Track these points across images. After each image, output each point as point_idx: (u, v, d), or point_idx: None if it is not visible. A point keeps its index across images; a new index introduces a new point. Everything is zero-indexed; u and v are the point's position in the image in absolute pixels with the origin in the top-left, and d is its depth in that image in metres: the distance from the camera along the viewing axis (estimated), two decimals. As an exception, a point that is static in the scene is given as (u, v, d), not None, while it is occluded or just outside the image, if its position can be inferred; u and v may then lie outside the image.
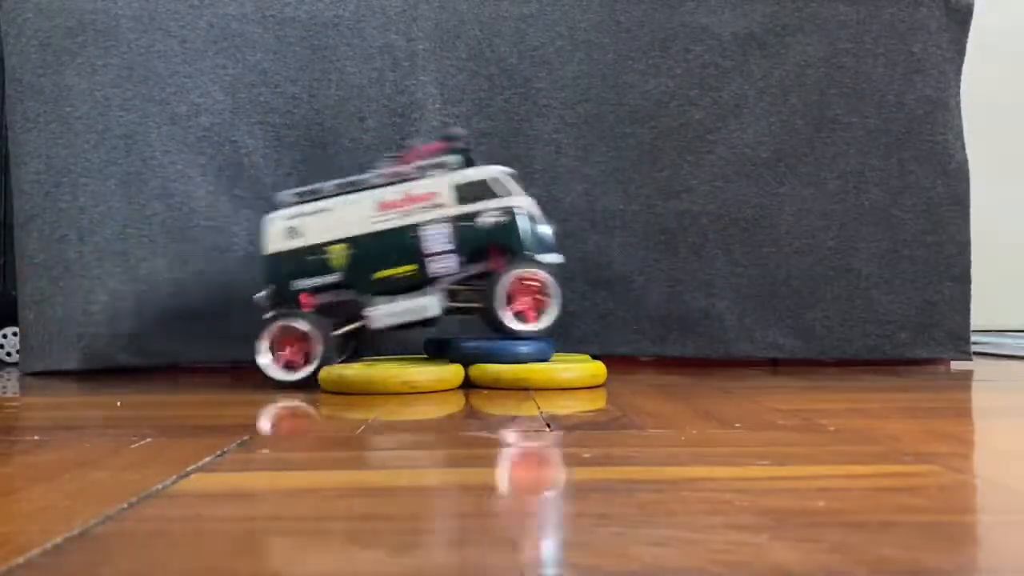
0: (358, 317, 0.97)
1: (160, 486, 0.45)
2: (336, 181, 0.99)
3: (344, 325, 0.98)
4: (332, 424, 0.71)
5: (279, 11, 1.19)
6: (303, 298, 0.97)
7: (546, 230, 0.99)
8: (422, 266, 0.95)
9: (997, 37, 1.63)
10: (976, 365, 1.22)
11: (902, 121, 1.22)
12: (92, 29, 1.15)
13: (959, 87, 1.25)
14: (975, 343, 1.26)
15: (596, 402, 0.83)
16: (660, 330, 1.21)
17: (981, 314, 1.28)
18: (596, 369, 0.95)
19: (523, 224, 0.96)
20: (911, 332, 1.22)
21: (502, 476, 0.49)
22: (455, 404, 0.81)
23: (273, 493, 0.45)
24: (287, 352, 0.96)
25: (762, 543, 0.35)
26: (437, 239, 0.95)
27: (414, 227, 0.96)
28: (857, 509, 0.40)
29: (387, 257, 0.96)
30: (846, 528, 0.37)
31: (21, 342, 1.16)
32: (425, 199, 0.96)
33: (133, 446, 0.57)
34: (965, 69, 1.25)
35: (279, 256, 0.97)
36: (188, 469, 0.49)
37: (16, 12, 1.15)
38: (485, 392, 0.90)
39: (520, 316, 0.96)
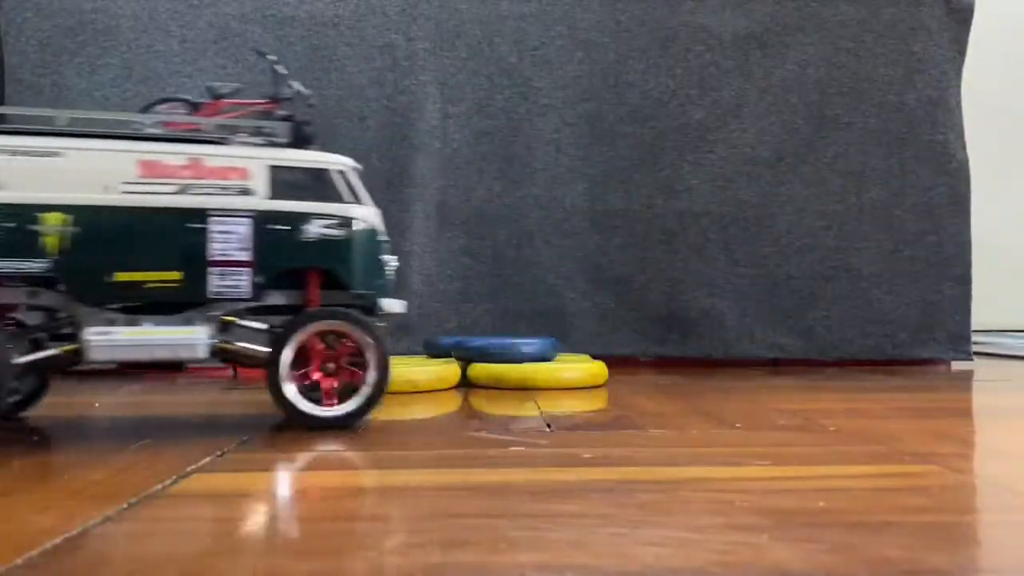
0: (66, 338, 0.63)
1: (160, 486, 0.45)
2: (77, 113, 0.66)
3: (38, 347, 0.64)
4: (332, 424, 0.70)
5: (279, 11, 1.19)
6: None
7: (392, 262, 0.70)
8: (196, 277, 0.63)
9: (998, 37, 1.62)
10: (976, 365, 1.21)
11: (902, 121, 1.22)
12: (92, 29, 1.15)
13: (959, 87, 1.24)
14: (975, 343, 1.26)
15: (596, 402, 0.83)
16: (660, 330, 1.21)
17: (981, 314, 1.27)
18: (597, 369, 0.95)
19: (364, 247, 0.66)
20: (911, 332, 1.22)
21: (502, 476, 0.49)
22: (455, 404, 0.81)
23: (273, 493, 0.45)
24: None
25: (762, 543, 0.35)
26: (231, 240, 0.63)
27: (197, 214, 0.63)
28: (857, 509, 0.40)
29: (138, 251, 0.62)
30: (846, 528, 0.37)
31: (21, 342, 1.16)
32: (224, 175, 0.64)
33: (133, 446, 0.57)
34: (965, 69, 1.25)
35: None
36: (188, 469, 0.49)
37: (16, 12, 1.15)
38: (485, 392, 0.90)
39: (315, 388, 0.65)
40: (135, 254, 0.62)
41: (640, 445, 0.57)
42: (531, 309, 1.20)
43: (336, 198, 0.66)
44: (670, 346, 1.21)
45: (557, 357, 1.00)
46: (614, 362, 1.04)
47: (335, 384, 0.66)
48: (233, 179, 0.64)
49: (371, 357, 0.65)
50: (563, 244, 1.21)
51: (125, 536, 0.36)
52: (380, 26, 1.20)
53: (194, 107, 0.70)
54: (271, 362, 0.64)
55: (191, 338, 0.63)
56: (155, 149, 0.63)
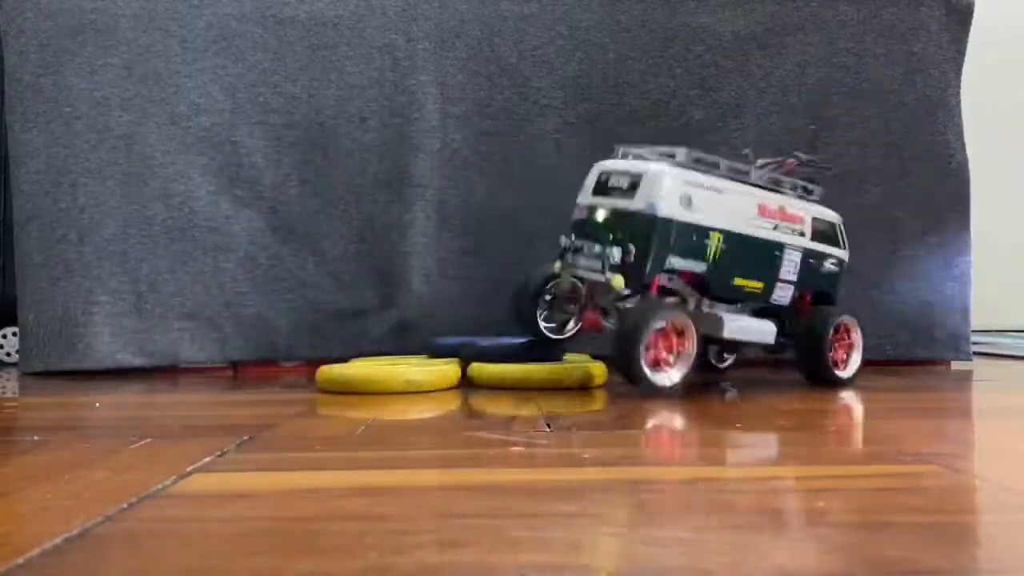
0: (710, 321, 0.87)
1: (160, 486, 0.45)
2: (725, 160, 0.90)
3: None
4: (332, 424, 0.71)
5: (279, 11, 1.18)
6: (657, 279, 0.84)
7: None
8: (769, 288, 0.90)
9: (997, 37, 1.62)
10: (976, 365, 1.21)
11: (902, 121, 1.22)
12: (92, 29, 1.15)
13: (959, 87, 1.24)
14: (975, 343, 1.26)
15: (596, 402, 0.83)
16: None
17: (981, 314, 1.27)
18: (596, 369, 0.95)
19: (842, 281, 0.97)
20: (911, 332, 1.22)
21: (502, 476, 0.49)
22: (455, 404, 0.81)
23: (273, 493, 0.45)
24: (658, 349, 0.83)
25: (762, 543, 0.34)
26: (791, 266, 0.91)
27: (780, 245, 0.90)
28: (857, 509, 0.40)
29: (749, 265, 0.88)
30: (846, 528, 0.37)
31: (21, 342, 1.16)
32: (793, 220, 0.91)
33: (133, 446, 0.57)
34: (965, 69, 1.25)
35: (670, 223, 0.83)
36: (188, 469, 0.49)
37: (16, 12, 1.15)
38: (485, 392, 0.90)
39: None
40: (746, 267, 0.88)
41: (640, 445, 0.57)
42: (531, 309, 1.20)
43: (840, 245, 0.96)
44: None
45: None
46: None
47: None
48: (797, 224, 0.92)
49: (857, 339, 0.95)
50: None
51: (125, 536, 0.36)
52: (380, 26, 1.20)
53: (784, 163, 0.95)
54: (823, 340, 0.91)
55: (771, 329, 0.90)
56: (763, 197, 0.89)
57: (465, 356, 0.97)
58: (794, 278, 0.91)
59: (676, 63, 1.21)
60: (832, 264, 0.95)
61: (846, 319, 0.94)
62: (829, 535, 0.36)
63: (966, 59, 1.24)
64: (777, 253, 0.89)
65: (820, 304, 0.94)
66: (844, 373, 0.93)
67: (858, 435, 0.61)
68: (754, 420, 0.69)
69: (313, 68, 1.19)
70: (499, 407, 0.78)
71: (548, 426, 0.65)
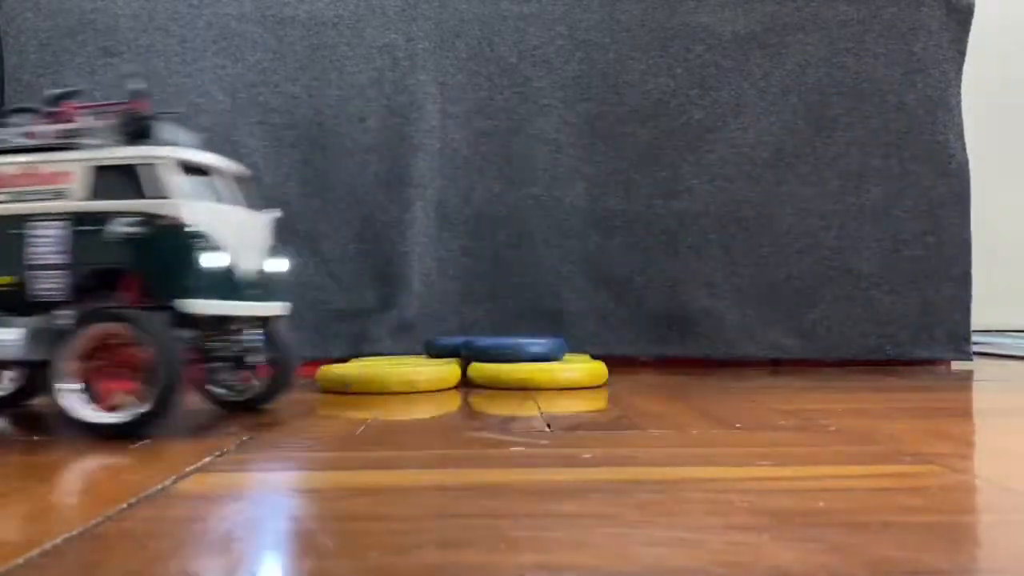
0: None
1: (160, 486, 0.45)
2: None
3: None
4: (332, 424, 0.70)
5: (279, 11, 1.19)
6: None
7: (216, 260, 0.65)
8: (23, 281, 0.64)
9: (997, 37, 1.62)
10: (976, 365, 1.21)
11: (902, 121, 1.22)
12: (92, 29, 1.15)
13: (959, 87, 1.24)
14: (975, 343, 1.26)
15: (597, 402, 0.83)
16: (660, 330, 1.21)
17: (981, 314, 1.27)
18: (597, 369, 0.95)
19: (170, 245, 0.63)
20: (911, 332, 1.22)
21: (502, 476, 0.49)
22: (455, 404, 0.81)
23: (273, 493, 0.45)
24: None
25: (762, 543, 0.35)
26: (51, 243, 0.64)
27: (21, 220, 0.64)
28: (857, 509, 0.40)
29: None
30: (846, 528, 0.37)
31: (21, 342, 1.16)
32: (54, 179, 0.65)
33: (133, 446, 0.57)
34: (965, 69, 1.25)
35: None
36: (188, 469, 0.49)
37: (16, 12, 1.15)
38: (485, 392, 0.90)
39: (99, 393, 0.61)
40: None
41: (640, 445, 0.57)
42: (531, 309, 1.20)
43: (146, 194, 0.63)
44: (670, 346, 1.21)
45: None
46: (614, 362, 1.04)
47: (115, 389, 0.61)
48: (59, 183, 0.65)
49: (151, 361, 0.60)
50: (563, 244, 1.21)
51: (125, 536, 0.36)
52: (380, 26, 1.20)
53: (48, 113, 0.69)
54: (47, 363, 0.62)
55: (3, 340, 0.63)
56: None
57: (465, 356, 0.97)
58: (65, 259, 0.63)
59: (676, 63, 1.21)
60: (127, 226, 0.63)
61: (107, 327, 0.61)
62: (829, 535, 0.36)
63: (966, 59, 1.24)
64: (15, 231, 0.64)
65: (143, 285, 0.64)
66: (108, 416, 0.60)
67: (858, 435, 0.61)
68: (754, 420, 0.69)
69: (313, 68, 1.19)
70: (499, 407, 0.78)
71: (548, 426, 0.65)
